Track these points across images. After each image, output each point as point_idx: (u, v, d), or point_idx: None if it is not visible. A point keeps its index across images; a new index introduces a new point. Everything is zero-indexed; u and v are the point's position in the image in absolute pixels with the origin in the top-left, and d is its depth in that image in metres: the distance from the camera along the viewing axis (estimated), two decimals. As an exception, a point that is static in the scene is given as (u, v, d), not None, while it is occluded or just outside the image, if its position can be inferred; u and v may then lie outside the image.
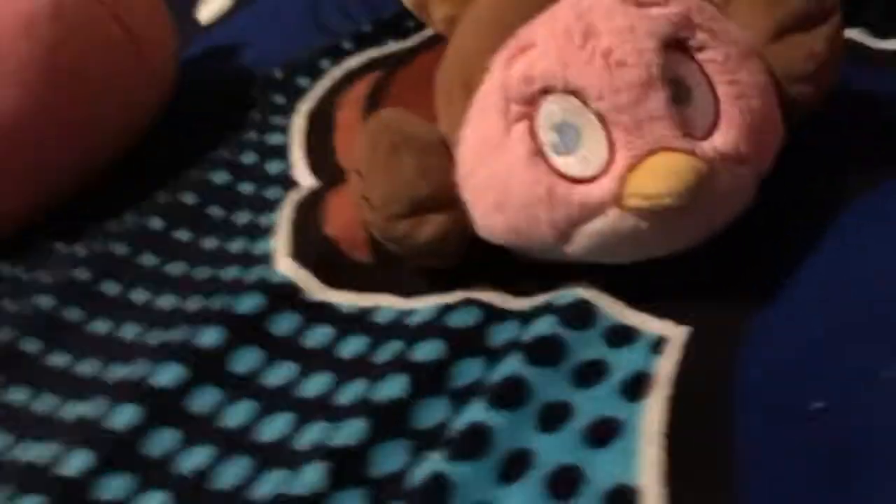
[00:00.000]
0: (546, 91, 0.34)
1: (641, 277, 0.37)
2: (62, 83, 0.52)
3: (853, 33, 0.50)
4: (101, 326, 0.46)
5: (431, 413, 0.34)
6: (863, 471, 0.27)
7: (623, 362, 0.34)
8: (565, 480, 0.30)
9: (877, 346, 0.31)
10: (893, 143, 0.41)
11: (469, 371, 0.36)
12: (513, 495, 0.30)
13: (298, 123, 0.60)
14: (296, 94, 0.63)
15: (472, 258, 0.40)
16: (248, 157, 0.58)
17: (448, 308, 0.39)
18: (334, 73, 0.65)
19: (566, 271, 0.38)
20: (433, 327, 0.38)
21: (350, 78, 0.64)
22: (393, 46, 0.67)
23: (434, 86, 0.42)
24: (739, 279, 0.36)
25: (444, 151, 0.39)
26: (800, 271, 0.35)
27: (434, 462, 0.31)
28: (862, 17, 0.51)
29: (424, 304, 0.40)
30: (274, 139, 0.59)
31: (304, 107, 0.62)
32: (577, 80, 0.34)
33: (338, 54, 0.67)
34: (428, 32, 0.66)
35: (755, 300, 0.34)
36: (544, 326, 0.36)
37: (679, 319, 0.35)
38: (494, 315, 0.38)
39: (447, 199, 0.38)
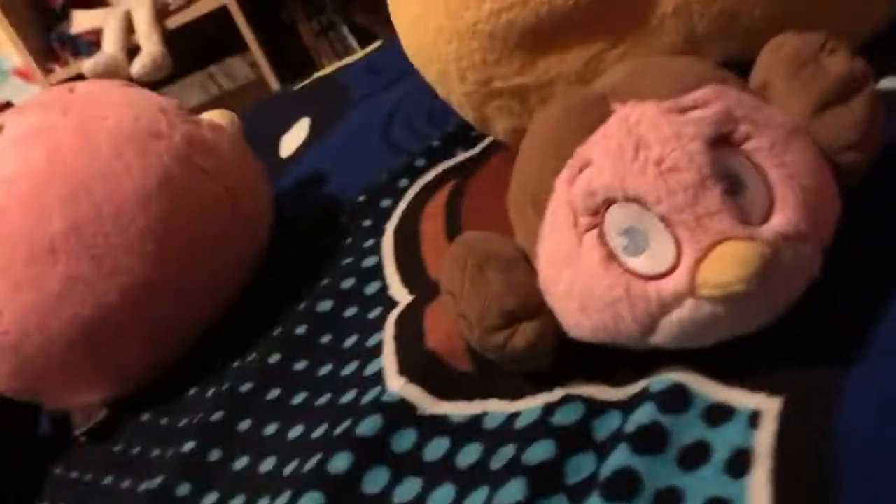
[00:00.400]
0: (608, 202, 0.38)
1: (731, 351, 0.39)
2: (176, 251, 0.58)
3: (893, 82, 0.52)
4: (241, 464, 0.50)
5: (552, 512, 0.37)
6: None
7: (723, 441, 0.36)
8: (687, 564, 0.32)
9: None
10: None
11: (581, 467, 0.38)
12: (640, 585, 0.32)
13: (387, 243, 0.65)
14: (381, 215, 0.69)
15: (567, 355, 0.43)
16: (348, 283, 0.62)
17: (551, 407, 0.42)
18: (413, 189, 0.70)
19: (657, 353, 0.40)
20: (541, 428, 0.41)
21: (428, 191, 0.69)
22: (462, 155, 0.72)
23: (505, 188, 0.46)
24: (824, 343, 0.38)
25: (524, 263, 0.42)
26: (876, 332, 0.37)
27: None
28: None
29: (529, 406, 0.43)
30: (368, 262, 0.63)
31: (391, 226, 0.67)
32: (635, 189, 0.37)
33: (413, 172, 0.72)
34: (492, 139, 0.71)
35: (840, 364, 0.36)
36: (645, 415, 0.38)
37: (770, 391, 0.37)
38: (596, 408, 0.41)
39: (535, 307, 0.41)
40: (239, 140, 0.70)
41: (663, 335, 0.38)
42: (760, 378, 0.38)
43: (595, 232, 0.38)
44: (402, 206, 0.69)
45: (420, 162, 0.73)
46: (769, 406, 0.37)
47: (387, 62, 1.01)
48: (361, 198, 0.72)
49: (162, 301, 0.59)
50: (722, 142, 0.38)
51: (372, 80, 1.00)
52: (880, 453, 0.32)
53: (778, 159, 0.38)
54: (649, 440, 0.37)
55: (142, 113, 0.62)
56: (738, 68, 0.43)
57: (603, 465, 0.37)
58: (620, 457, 0.37)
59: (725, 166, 0.37)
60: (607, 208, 0.38)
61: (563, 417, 0.41)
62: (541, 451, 0.39)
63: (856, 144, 0.39)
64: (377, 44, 1.16)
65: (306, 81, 1.16)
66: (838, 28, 0.42)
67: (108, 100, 0.64)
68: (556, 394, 0.43)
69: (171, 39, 2.08)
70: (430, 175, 0.71)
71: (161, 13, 2.07)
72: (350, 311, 0.60)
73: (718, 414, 0.37)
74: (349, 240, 0.68)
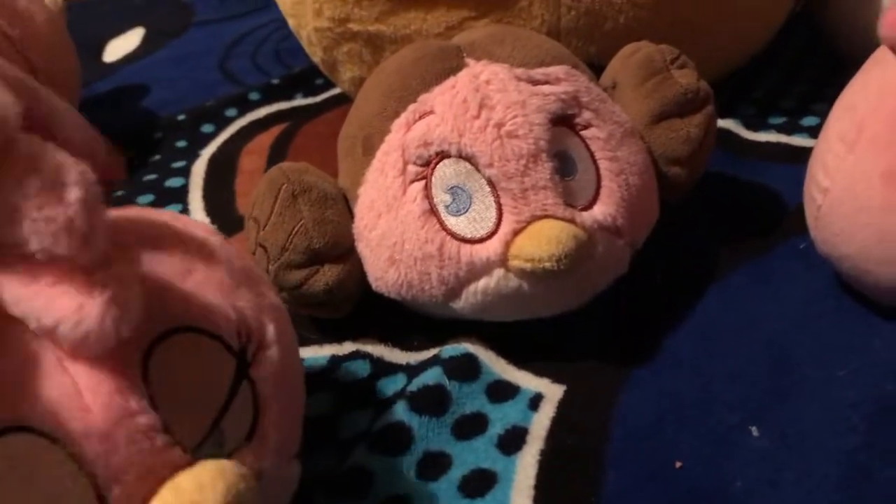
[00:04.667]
0: (441, 155, 0.36)
1: (526, 337, 0.39)
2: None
3: (728, 123, 0.54)
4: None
5: (316, 463, 0.34)
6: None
7: (501, 416, 0.35)
8: (440, 528, 0.31)
9: (734, 411, 0.34)
10: (754, 226, 0.44)
11: (357, 422, 0.36)
12: (389, 541, 0.31)
13: (199, 168, 0.60)
14: (199, 139, 0.64)
15: (364, 313, 0.41)
16: (145, 199, 0.57)
17: (338, 360, 0.40)
18: (241, 121, 0.66)
19: (455, 328, 0.39)
20: (323, 378, 0.39)
21: (256, 127, 0.65)
22: (300, 101, 0.68)
23: (337, 140, 0.44)
24: (615, 343, 0.38)
25: (342, 205, 0.40)
26: (665, 341, 0.38)
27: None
28: (737, 110, 0.56)
29: (314, 355, 0.41)
30: (173, 182, 0.59)
31: (207, 152, 0.62)
32: (470, 147, 0.36)
33: (245, 104, 0.68)
34: (335, 91, 0.68)
35: (629, 363, 0.37)
36: (430, 377, 0.37)
37: (556, 378, 0.37)
38: (383, 368, 0.39)
39: (343, 252, 0.39)
40: (59, 22, 0.63)
41: (465, 302, 0.37)
42: (549, 364, 0.38)
43: (422, 184, 0.37)
44: (225, 135, 0.64)
45: (254, 96, 0.68)
46: (552, 391, 0.36)
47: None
48: (181, 117, 0.67)
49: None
50: (563, 122, 0.37)
51: (219, 7, 0.94)
52: (649, 450, 0.33)
53: (611, 153, 0.38)
54: (430, 402, 0.36)
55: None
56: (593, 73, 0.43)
57: (378, 420, 0.35)
58: (397, 413, 0.35)
59: (561, 146, 0.37)
60: (439, 162, 0.37)
61: (347, 373, 0.39)
62: (318, 404, 0.37)
63: (684, 160, 0.40)
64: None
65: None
66: (697, 53, 0.43)
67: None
68: (346, 347, 0.41)
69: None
70: (263, 112, 0.67)
71: None
72: (142, 229, 0.55)
73: (502, 391, 0.37)
74: (157, 156, 0.63)
